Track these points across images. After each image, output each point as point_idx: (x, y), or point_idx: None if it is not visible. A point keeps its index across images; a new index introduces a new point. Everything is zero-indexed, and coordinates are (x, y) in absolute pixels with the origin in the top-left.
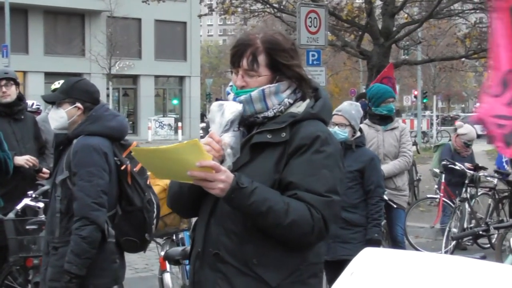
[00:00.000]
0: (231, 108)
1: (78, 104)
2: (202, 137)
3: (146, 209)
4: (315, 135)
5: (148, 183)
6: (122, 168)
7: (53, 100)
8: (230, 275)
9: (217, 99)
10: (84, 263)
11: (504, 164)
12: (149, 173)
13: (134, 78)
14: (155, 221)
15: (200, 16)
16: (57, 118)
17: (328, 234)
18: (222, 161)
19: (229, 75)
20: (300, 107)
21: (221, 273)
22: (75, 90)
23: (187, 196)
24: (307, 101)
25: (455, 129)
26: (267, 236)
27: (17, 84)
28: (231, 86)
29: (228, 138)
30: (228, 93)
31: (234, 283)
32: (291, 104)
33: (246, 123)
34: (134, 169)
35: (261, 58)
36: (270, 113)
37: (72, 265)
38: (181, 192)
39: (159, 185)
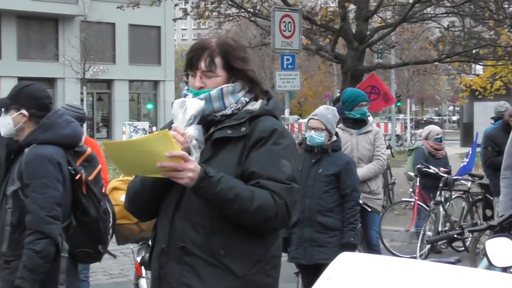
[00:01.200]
0: (193, 104)
1: (23, 111)
2: None
3: (101, 219)
4: (273, 128)
5: (103, 191)
6: (77, 177)
7: (0, 105)
8: (198, 266)
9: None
10: (37, 278)
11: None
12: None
13: (108, 82)
14: (110, 231)
15: (175, 20)
16: (4, 124)
17: (290, 220)
18: (189, 154)
19: None
20: (255, 105)
21: (188, 265)
22: (21, 96)
23: (148, 194)
24: (260, 100)
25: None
26: (234, 228)
27: None
28: (187, 89)
29: (192, 130)
30: (185, 95)
31: (202, 274)
32: (247, 103)
33: (204, 122)
34: (89, 178)
35: (218, 60)
36: (228, 111)
37: (25, 281)
38: (143, 190)
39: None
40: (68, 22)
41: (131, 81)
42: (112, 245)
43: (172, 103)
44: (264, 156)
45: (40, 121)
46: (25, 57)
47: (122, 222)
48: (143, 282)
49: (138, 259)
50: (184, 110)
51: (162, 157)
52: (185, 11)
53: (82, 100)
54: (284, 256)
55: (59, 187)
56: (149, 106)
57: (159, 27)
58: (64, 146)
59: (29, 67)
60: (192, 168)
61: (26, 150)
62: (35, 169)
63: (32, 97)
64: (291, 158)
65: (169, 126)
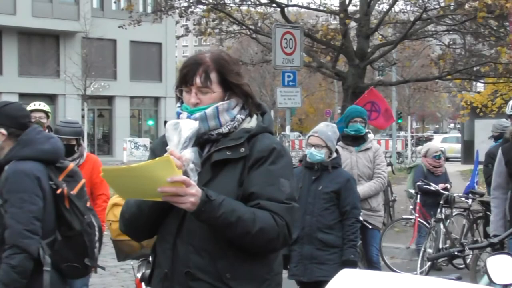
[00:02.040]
0: (188, 125)
1: (2, 130)
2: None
3: (86, 232)
4: (272, 147)
5: (88, 205)
6: (58, 192)
7: None
8: None
9: (165, 122)
10: None
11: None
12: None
13: (109, 99)
14: (97, 244)
15: (178, 37)
16: None
17: (291, 239)
18: (185, 175)
19: None
20: (251, 123)
21: None
22: (0, 115)
23: (146, 218)
24: (255, 116)
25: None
26: (237, 250)
27: None
28: (179, 106)
29: (189, 154)
30: (179, 113)
31: None
32: (242, 120)
33: (200, 141)
34: (72, 192)
35: (213, 76)
36: (224, 130)
37: None
38: (140, 214)
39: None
40: (69, 38)
41: (132, 98)
42: (113, 261)
43: (165, 123)
44: (263, 176)
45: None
46: (26, 73)
47: (122, 239)
48: None
49: (139, 275)
50: (179, 132)
51: (163, 182)
52: (186, 28)
53: (83, 116)
54: (284, 273)
55: (38, 201)
56: (150, 122)
57: (160, 44)
58: (44, 161)
59: (30, 83)
60: (193, 192)
61: (6, 167)
62: (13, 184)
63: (10, 116)
64: (290, 177)
65: (160, 142)
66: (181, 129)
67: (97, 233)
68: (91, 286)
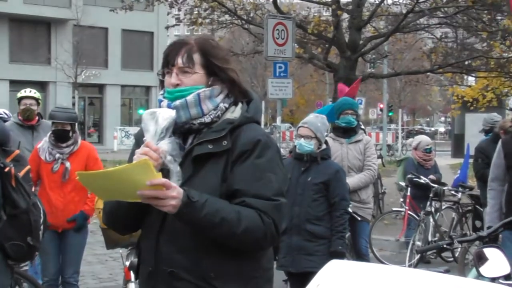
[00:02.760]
0: (164, 115)
1: None
2: (133, 151)
3: (31, 211)
4: (256, 139)
5: (33, 190)
6: (6, 170)
7: None
8: None
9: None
10: None
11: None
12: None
13: (100, 87)
14: (42, 227)
15: (167, 27)
16: None
17: (279, 237)
18: (166, 170)
19: None
20: (235, 112)
21: None
22: None
23: (126, 212)
24: (240, 105)
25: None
26: (222, 249)
27: None
28: (162, 94)
29: (166, 145)
30: (161, 101)
31: None
32: (226, 109)
33: (182, 131)
34: (19, 174)
35: (196, 56)
36: (207, 119)
37: None
38: (120, 208)
39: None
40: (60, 26)
41: (123, 86)
42: (102, 250)
43: (142, 113)
44: (248, 171)
45: None
46: (17, 60)
47: None
48: (132, 287)
49: (127, 263)
50: (155, 121)
51: (142, 185)
52: (178, 18)
53: (73, 104)
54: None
55: None
56: (141, 111)
57: (152, 33)
58: None
59: (21, 70)
60: (174, 195)
61: None
62: None
63: None
64: (277, 170)
65: (140, 135)
66: (157, 119)
67: (42, 216)
68: (80, 274)
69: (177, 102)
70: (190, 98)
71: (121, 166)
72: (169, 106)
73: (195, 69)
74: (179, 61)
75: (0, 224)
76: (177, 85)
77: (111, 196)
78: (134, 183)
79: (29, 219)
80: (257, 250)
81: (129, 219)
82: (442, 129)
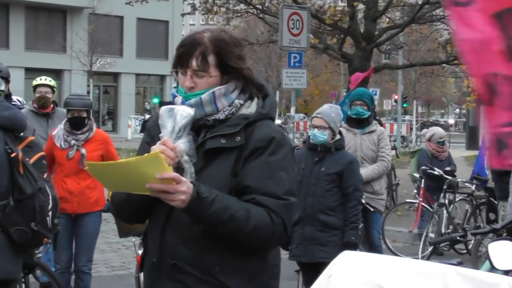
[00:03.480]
0: (183, 113)
1: None
2: (148, 144)
3: (37, 197)
4: (270, 136)
5: (45, 176)
6: (13, 155)
7: None
8: (191, 284)
9: (163, 103)
10: None
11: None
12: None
13: (115, 75)
14: (50, 213)
15: (183, 15)
16: None
17: (287, 236)
18: (180, 169)
19: None
20: (250, 108)
21: (181, 283)
22: None
23: (136, 204)
24: (255, 100)
25: (428, 139)
26: (228, 243)
27: (7, 81)
28: (175, 87)
29: (183, 144)
30: (174, 96)
31: None
32: (241, 105)
33: (195, 127)
34: (29, 160)
35: (211, 59)
36: (221, 116)
37: None
38: (129, 200)
39: None
40: (76, 14)
41: (137, 75)
42: (115, 238)
43: (161, 104)
44: (260, 169)
45: None
46: (32, 48)
47: None
48: None
49: (140, 252)
50: (173, 119)
51: (152, 178)
52: (193, 6)
53: (88, 92)
54: (285, 254)
55: None
56: (155, 100)
57: (167, 22)
58: (2, 127)
59: (37, 58)
60: (184, 190)
61: None
62: None
63: None
64: (289, 169)
65: (156, 123)
66: (175, 116)
67: (50, 202)
68: (93, 262)
69: (192, 100)
70: (205, 96)
71: (132, 158)
72: (183, 103)
73: (210, 72)
74: (194, 63)
75: (7, 209)
76: (192, 87)
77: (120, 188)
78: (144, 176)
79: (33, 204)
80: (263, 249)
81: (137, 212)
82: (451, 120)
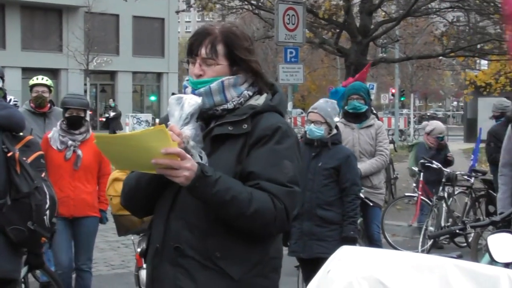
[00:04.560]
0: (190, 101)
1: None
2: None
3: (33, 196)
4: (276, 126)
5: (43, 176)
6: (9, 155)
7: None
8: (192, 269)
9: (173, 94)
10: None
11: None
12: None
13: (112, 74)
14: (48, 213)
15: (177, 12)
16: None
17: (289, 224)
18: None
19: None
20: (259, 100)
21: (182, 267)
22: None
23: (144, 191)
24: (265, 94)
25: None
26: (230, 230)
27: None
28: (187, 80)
29: (189, 131)
30: (185, 87)
31: (196, 277)
32: (250, 97)
33: (205, 116)
34: (27, 160)
35: (220, 48)
36: (229, 105)
37: None
38: (138, 187)
39: None
40: (72, 13)
41: (134, 73)
42: (113, 236)
43: (173, 95)
44: (266, 156)
45: None
46: (29, 47)
47: (123, 213)
48: (144, 273)
49: (139, 250)
50: (181, 107)
51: (157, 153)
52: (188, 2)
53: (85, 91)
54: (285, 250)
55: None
56: (153, 98)
57: (163, 19)
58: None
59: (33, 57)
60: (188, 166)
61: None
62: None
63: None
64: (294, 159)
65: (165, 120)
66: (183, 104)
67: (48, 202)
68: (93, 261)
69: (201, 89)
70: (214, 85)
71: (137, 131)
72: (193, 93)
73: (218, 61)
74: (203, 51)
75: (4, 208)
76: (200, 75)
77: (127, 165)
78: (149, 151)
79: (30, 203)
80: (265, 234)
81: (146, 200)
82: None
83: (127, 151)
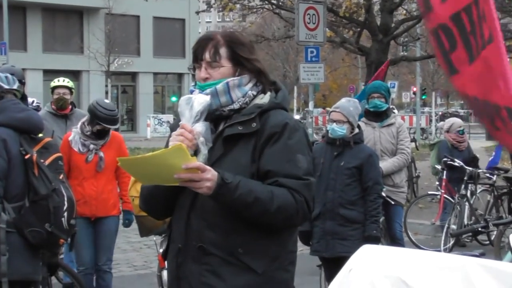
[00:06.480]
0: (199, 100)
1: None
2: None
3: (51, 198)
4: (284, 122)
5: (61, 177)
6: (27, 157)
7: None
8: (216, 265)
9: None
10: None
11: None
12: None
13: (133, 75)
14: (66, 214)
15: (198, 12)
16: None
17: (310, 215)
18: (196, 151)
19: None
20: (264, 99)
21: (206, 264)
22: None
23: (162, 195)
24: (269, 93)
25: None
26: (251, 226)
27: (22, 83)
28: (193, 85)
29: (200, 127)
30: (192, 91)
31: (221, 273)
32: (254, 96)
33: (212, 117)
34: (44, 162)
35: (223, 51)
36: (236, 106)
37: None
38: (156, 191)
39: None
40: (93, 14)
41: (155, 74)
42: (136, 237)
43: (175, 100)
44: (279, 153)
45: None
46: (50, 49)
47: (145, 214)
48: (166, 274)
49: (161, 251)
50: (191, 106)
51: (178, 169)
52: (208, 3)
53: (106, 92)
54: (307, 249)
55: (0, 161)
56: (174, 98)
57: (183, 20)
58: (17, 129)
59: (54, 59)
60: (209, 177)
61: None
62: None
63: None
64: (305, 151)
65: (176, 126)
66: (192, 103)
67: (66, 203)
68: (114, 261)
69: (208, 90)
70: (219, 86)
71: (157, 151)
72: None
73: (222, 63)
74: (207, 55)
75: (22, 210)
76: (206, 78)
77: (151, 181)
78: (171, 167)
79: (47, 205)
80: (290, 227)
81: (165, 202)
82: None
83: (150, 169)
